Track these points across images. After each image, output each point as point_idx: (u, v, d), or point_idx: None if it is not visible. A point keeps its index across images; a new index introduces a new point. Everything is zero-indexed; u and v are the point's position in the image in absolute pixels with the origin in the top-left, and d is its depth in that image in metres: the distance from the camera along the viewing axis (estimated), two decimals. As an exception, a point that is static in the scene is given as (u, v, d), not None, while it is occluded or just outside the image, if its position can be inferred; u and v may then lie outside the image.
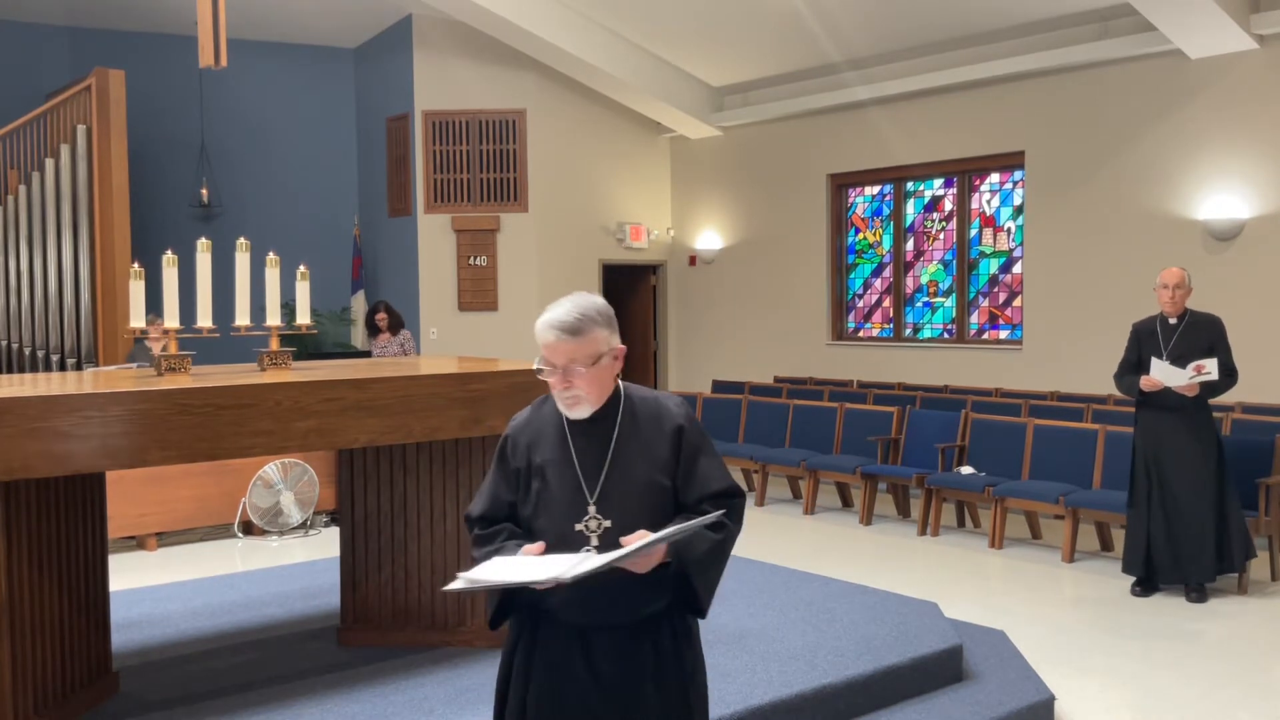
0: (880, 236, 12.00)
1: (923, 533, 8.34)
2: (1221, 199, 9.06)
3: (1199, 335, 6.39)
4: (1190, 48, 9.00)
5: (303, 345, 11.27)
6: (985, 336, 11.12)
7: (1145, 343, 6.55)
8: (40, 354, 10.06)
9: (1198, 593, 6.46)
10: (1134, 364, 6.57)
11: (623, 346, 2.48)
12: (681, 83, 12.65)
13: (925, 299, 11.64)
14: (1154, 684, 5.14)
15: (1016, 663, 4.86)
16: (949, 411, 8.92)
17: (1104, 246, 9.84)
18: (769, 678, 4.14)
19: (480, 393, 4.26)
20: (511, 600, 2.51)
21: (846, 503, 9.49)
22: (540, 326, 2.42)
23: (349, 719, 3.82)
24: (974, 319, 11.21)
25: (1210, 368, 6.23)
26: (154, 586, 5.96)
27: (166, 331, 4.45)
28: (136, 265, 4.64)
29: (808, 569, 6.29)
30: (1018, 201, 10.76)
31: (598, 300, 2.47)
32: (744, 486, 10.21)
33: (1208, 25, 8.58)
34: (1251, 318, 8.58)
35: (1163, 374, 6.33)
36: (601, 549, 2.40)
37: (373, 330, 10.51)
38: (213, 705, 3.95)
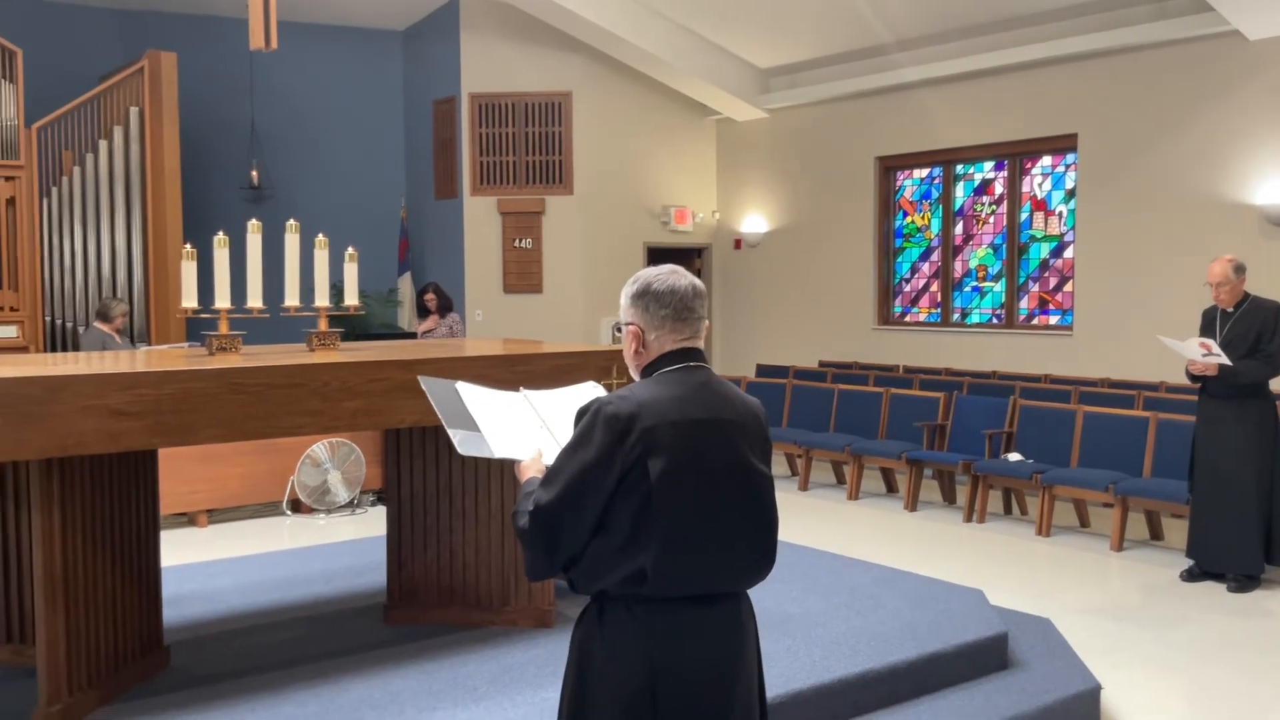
0: (929, 220, 11.88)
1: (968, 519, 8.28)
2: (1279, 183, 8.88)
3: (1249, 323, 6.28)
4: (1249, 28, 8.80)
5: (350, 326, 11.38)
6: (1035, 322, 10.98)
7: (1205, 331, 6.47)
8: (94, 333, 10.22)
9: (1238, 583, 6.34)
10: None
11: (631, 325, 2.35)
12: (728, 64, 12.58)
13: (974, 284, 11.51)
14: (1201, 674, 5.08)
15: (1063, 651, 4.81)
16: (996, 398, 8.83)
17: (1157, 231, 9.67)
18: (811, 662, 4.13)
19: (526, 374, 4.27)
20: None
21: (891, 489, 9.43)
22: None
23: (394, 695, 3.86)
24: (1024, 304, 11.07)
25: (1215, 347, 6.16)
26: (204, 563, 6.06)
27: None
28: (188, 246, 4.71)
29: (851, 555, 6.26)
30: (1069, 185, 10.60)
31: (645, 273, 2.38)
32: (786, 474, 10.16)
33: (1267, 5, 8.39)
34: (1309, 304, 8.40)
35: (1177, 348, 6.40)
36: None
37: (422, 311, 10.55)
38: (260, 679, 4.01)
